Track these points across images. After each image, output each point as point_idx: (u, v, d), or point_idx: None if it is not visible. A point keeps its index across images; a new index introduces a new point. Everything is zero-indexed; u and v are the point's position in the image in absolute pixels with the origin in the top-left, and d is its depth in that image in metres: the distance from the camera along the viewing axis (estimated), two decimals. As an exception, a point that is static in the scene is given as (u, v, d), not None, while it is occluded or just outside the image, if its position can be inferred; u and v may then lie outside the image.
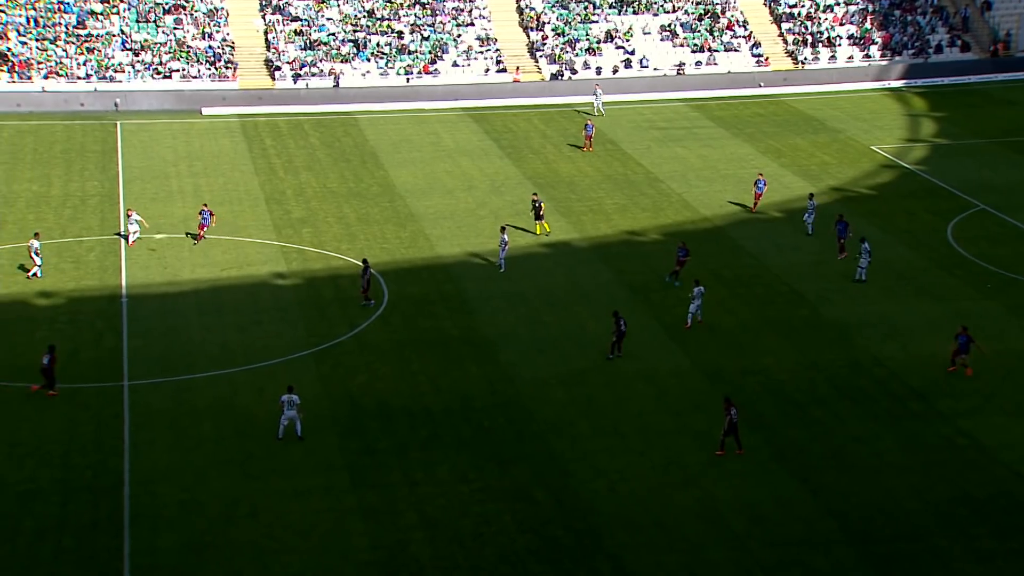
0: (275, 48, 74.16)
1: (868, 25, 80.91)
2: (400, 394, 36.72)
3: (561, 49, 77.57)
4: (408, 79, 73.68)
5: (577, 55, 77.37)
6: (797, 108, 71.55)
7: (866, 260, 44.35)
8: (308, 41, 74.80)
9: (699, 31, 79.82)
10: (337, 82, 72.45)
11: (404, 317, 42.08)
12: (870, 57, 79.13)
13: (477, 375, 38.06)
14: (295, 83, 72.10)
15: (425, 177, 57.94)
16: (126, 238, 48.15)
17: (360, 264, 43.82)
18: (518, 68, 75.88)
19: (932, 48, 79.66)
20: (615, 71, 76.99)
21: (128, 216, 48.44)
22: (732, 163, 60.63)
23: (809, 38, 79.89)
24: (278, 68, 72.78)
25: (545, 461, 33.13)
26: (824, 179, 57.54)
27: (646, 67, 77.28)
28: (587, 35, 78.85)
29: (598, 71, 76.66)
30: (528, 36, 78.81)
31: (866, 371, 37.78)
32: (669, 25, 79.84)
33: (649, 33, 79.35)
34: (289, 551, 28.89)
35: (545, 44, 77.84)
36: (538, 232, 49.97)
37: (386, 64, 74.36)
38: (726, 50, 78.76)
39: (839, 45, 79.63)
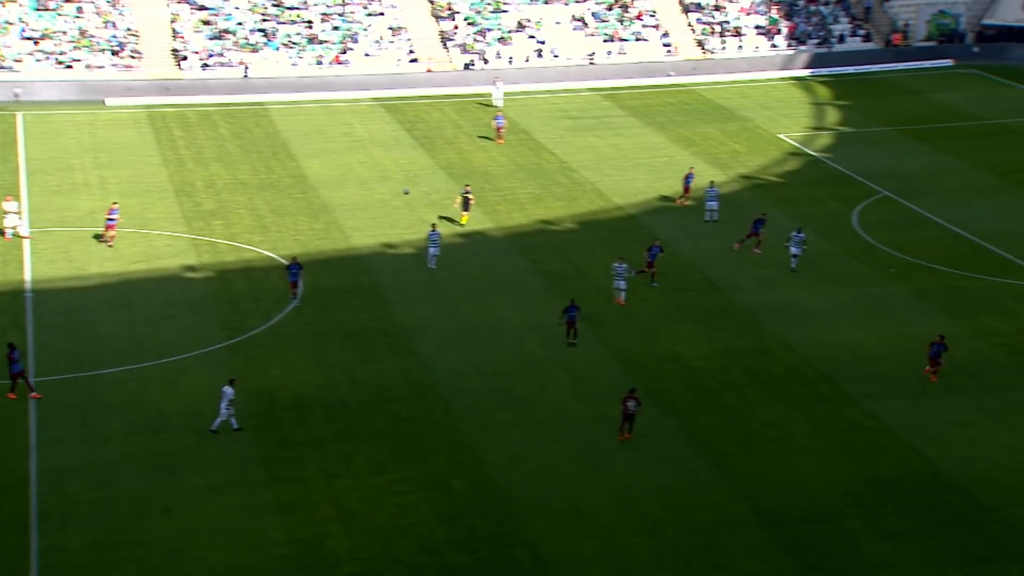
0: (181, 37, 72.89)
1: (774, 15, 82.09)
2: (316, 386, 36.41)
3: (473, 39, 77.44)
4: (320, 68, 73.03)
5: (489, 45, 77.29)
6: (706, 97, 72.34)
7: (797, 249, 44.75)
8: (216, 30, 73.67)
9: (609, 21, 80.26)
10: (246, 72, 71.47)
11: (319, 309, 41.71)
12: (776, 47, 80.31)
13: (394, 366, 37.88)
14: (203, 73, 70.97)
15: (338, 168, 57.46)
16: (4, 231, 46.84)
17: (286, 262, 43.19)
18: (430, 58, 75.58)
19: (835, 38, 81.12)
20: (527, 60, 77.10)
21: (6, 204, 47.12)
22: (644, 152, 61.13)
23: (717, 28, 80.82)
24: (185, 58, 71.56)
25: (463, 451, 33.11)
26: (734, 167, 58.29)
27: (557, 57, 77.50)
28: (499, 25, 78.80)
29: (510, 61, 76.69)
30: (439, 25, 78.53)
31: (777, 356, 38.38)
32: (580, 15, 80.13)
33: (560, 23, 79.56)
34: (204, 547, 28.49)
35: (456, 34, 77.63)
36: (464, 222, 49.87)
37: (296, 54, 73.54)
38: (636, 40, 79.32)
39: (746, 35, 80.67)
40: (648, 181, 56.34)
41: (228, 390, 33.22)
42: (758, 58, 79.19)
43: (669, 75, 76.94)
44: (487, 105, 68.10)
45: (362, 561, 28.16)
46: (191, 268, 45.04)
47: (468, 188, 51.12)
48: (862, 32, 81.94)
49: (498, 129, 62.26)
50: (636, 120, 67.12)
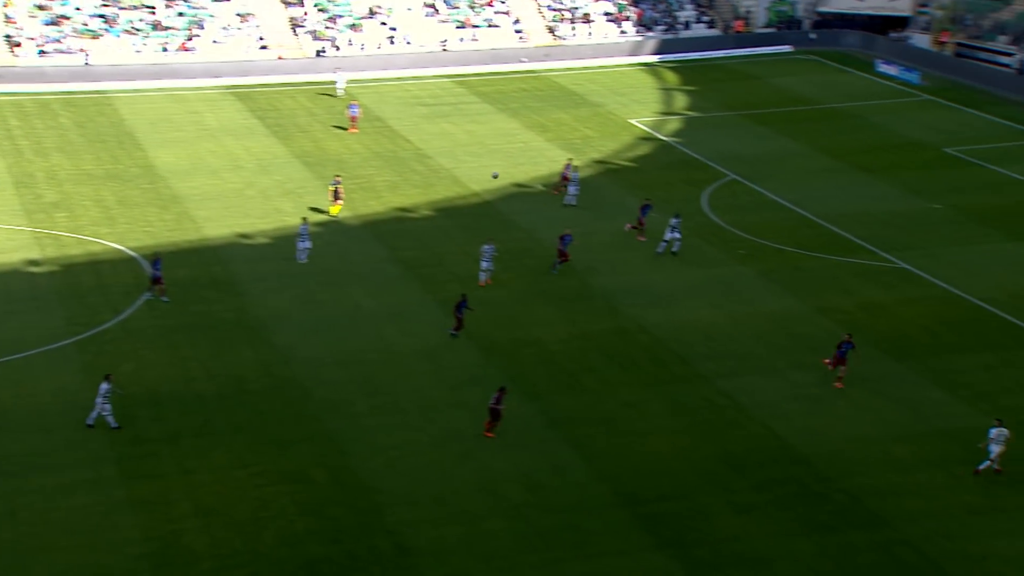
0: (14, 23, 69.96)
1: (622, 2, 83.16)
2: (170, 380, 35.47)
3: (324, 26, 76.38)
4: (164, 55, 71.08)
5: (340, 32, 76.36)
6: (559, 83, 72.88)
7: (671, 234, 45.18)
8: (52, 16, 70.94)
9: (461, 8, 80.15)
10: (87, 60, 69.06)
11: (173, 302, 40.61)
12: (625, 33, 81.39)
13: (251, 358, 37.16)
14: (39, 59, 68.29)
15: (188, 157, 56.03)
16: None
17: (149, 258, 41.84)
18: (281, 45, 74.28)
19: (681, 24, 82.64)
20: (379, 47, 76.44)
21: None
22: (499, 138, 61.25)
23: (567, 14, 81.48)
24: (19, 44, 68.71)
25: (324, 441, 32.70)
26: (587, 152, 58.87)
27: (410, 44, 77.05)
28: (349, 11, 77.90)
29: (362, 48, 75.91)
30: (289, 12, 77.22)
31: (633, 338, 38.92)
32: (431, 2, 79.79)
33: (411, 9, 79.11)
34: (53, 549, 27.49)
35: (307, 20, 76.46)
36: (334, 212, 49.14)
37: (140, 40, 71.39)
38: (488, 26, 79.40)
39: (595, 21, 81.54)
40: (504, 167, 56.43)
41: (104, 386, 32.22)
42: (608, 44, 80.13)
43: (521, 61, 77.26)
44: (331, 95, 67.19)
45: (221, 557, 27.57)
46: (34, 263, 43.35)
47: (338, 178, 50.44)
48: (706, 19, 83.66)
49: (352, 118, 61.56)
50: (490, 106, 67.20)
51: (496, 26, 79.60)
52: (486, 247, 42.76)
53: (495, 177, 33.55)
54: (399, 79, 72.63)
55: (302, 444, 32.46)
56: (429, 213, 50.62)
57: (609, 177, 54.38)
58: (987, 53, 72.24)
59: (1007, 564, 26.95)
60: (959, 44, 74.59)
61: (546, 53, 78.41)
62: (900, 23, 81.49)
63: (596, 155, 58.62)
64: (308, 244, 44.32)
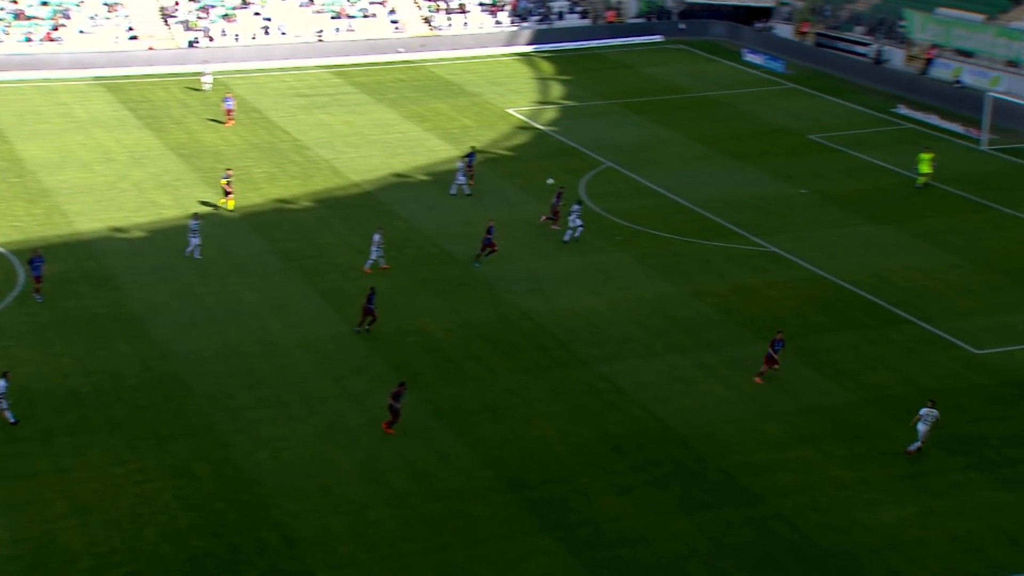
0: None
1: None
2: (43, 378, 34.40)
3: (196, 16, 74.78)
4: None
5: (213, 22, 74.86)
6: (436, 73, 72.66)
7: (575, 222, 45.30)
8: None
9: (337, -2, 79.36)
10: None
11: (44, 297, 39.36)
12: (500, 23, 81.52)
13: (128, 353, 36.26)
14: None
15: (57, 150, 54.33)
16: None
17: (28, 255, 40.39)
18: (151, 35, 72.50)
19: (555, 15, 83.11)
20: (254, 38, 75.18)
21: None
22: (377, 128, 60.83)
23: (443, 5, 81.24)
24: None
25: (205, 435, 32.10)
26: (466, 141, 58.79)
27: (285, 34, 75.94)
28: (222, 2, 76.42)
29: (236, 38, 74.58)
30: (159, 2, 75.39)
31: (515, 325, 39.08)
32: (306, -9, 78.83)
33: (286, 0, 77.97)
34: (-72, 556, 26.48)
35: (178, 10, 74.76)
36: (230, 206, 48.15)
37: (2, 30, 68.89)
38: (364, 17, 78.72)
39: (471, 12, 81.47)
40: (383, 157, 56.12)
41: (1, 383, 31.20)
42: (483, 34, 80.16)
43: (398, 52, 76.83)
44: (195, 89, 65.80)
45: (100, 555, 26.87)
46: (-102, 260, 41.62)
47: (229, 172, 49.46)
48: (579, 9, 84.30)
49: (228, 111, 60.43)
50: (368, 97, 66.68)
51: (372, 16, 78.97)
52: (376, 235, 42.38)
53: (550, 183, 33.47)
54: (275, 70, 71.55)
55: (183, 439, 31.82)
56: (309, 204, 50.02)
57: (488, 166, 54.43)
58: (845, 43, 74.31)
59: (870, 533, 27.86)
60: (819, 34, 76.59)
61: (423, 43, 78.10)
62: (764, 13, 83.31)
63: (475, 145, 58.55)
64: (198, 240, 43.25)
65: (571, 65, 75.46)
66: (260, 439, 31.98)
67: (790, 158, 56.20)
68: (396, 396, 32.05)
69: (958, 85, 65.35)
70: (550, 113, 65.07)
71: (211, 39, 73.81)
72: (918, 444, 30.75)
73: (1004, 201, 49.22)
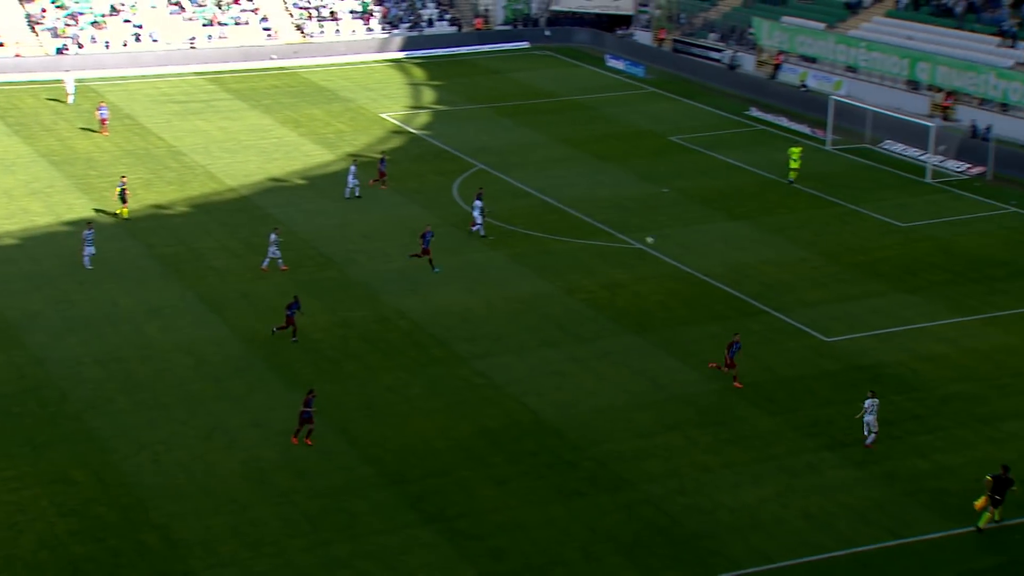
0: None
1: (367, 0, 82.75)
2: (-84, 389, 32.98)
3: (64, 23, 72.49)
4: None
5: (81, 29, 72.67)
6: (310, 79, 71.83)
7: (478, 215, 45.64)
8: None
9: (207, 6, 77.80)
10: None
11: (-87, 307, 37.75)
12: (372, 30, 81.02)
13: (2, 361, 34.95)
14: None
15: (-75, 157, 52.09)
16: None
17: None
18: (18, 42, 70.03)
19: (425, 22, 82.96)
20: (125, 45, 73.24)
21: None
22: (253, 134, 59.87)
23: (314, 12, 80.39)
24: None
25: (83, 441, 31.17)
26: (341, 146, 58.33)
27: (156, 41, 74.18)
28: (90, 8, 74.25)
29: (107, 45, 72.55)
30: (26, 8, 72.87)
31: (393, 324, 38.88)
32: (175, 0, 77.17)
33: (156, 7, 76.19)
34: None
35: (44, 17, 72.34)
36: (125, 214, 46.71)
37: None
38: (236, 24, 77.38)
39: (342, 19, 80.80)
40: (259, 162, 55.27)
41: None
42: (355, 41, 79.56)
43: (272, 58, 75.73)
44: (58, 101, 63.74)
45: (-20, 566, 25.89)
46: None
47: (124, 179, 48.05)
48: (448, 17, 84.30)
49: (102, 121, 58.71)
50: (242, 103, 65.58)
51: (244, 24, 77.66)
52: (272, 235, 42.10)
53: (652, 241, 33.15)
54: (148, 77, 69.84)
55: (60, 445, 30.84)
56: (185, 209, 48.97)
57: (363, 170, 53.97)
58: (700, 49, 75.90)
59: (732, 514, 28.51)
60: (676, 41, 78.06)
61: (296, 50, 77.14)
62: (625, 21, 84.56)
63: (349, 149, 58.17)
64: (93, 250, 41.80)
65: (442, 71, 75.41)
66: (140, 443, 31.19)
67: (652, 159, 57.14)
68: (307, 403, 31.20)
69: (804, 89, 67.33)
70: (423, 117, 64.93)
71: (81, 46, 71.62)
72: (874, 435, 31.03)
73: (848, 198, 50.88)
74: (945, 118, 60.03)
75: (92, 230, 42.47)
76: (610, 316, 39.43)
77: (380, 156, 53.42)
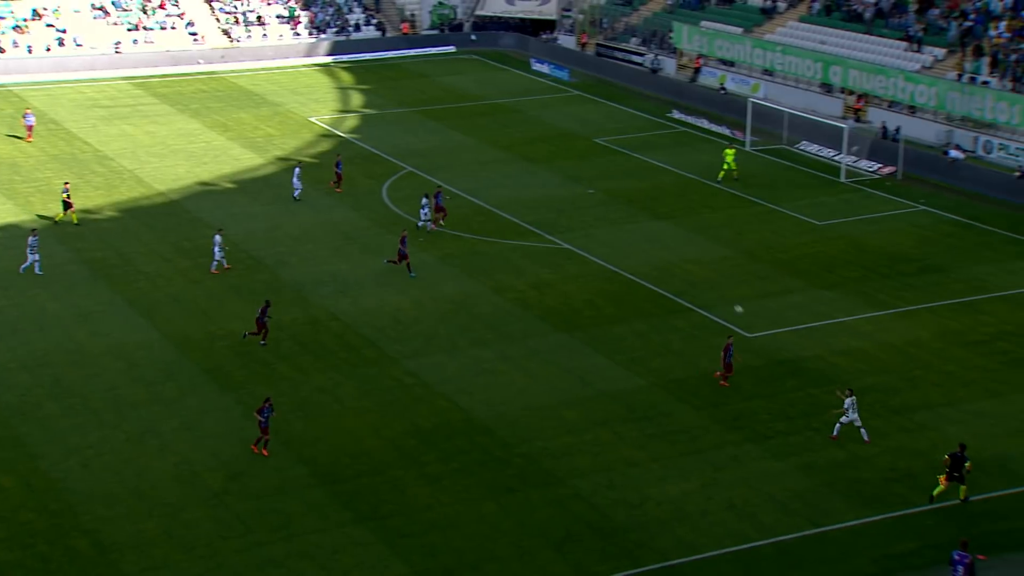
0: None
1: (293, 5, 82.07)
2: None
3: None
4: None
5: (2, 33, 71.02)
6: (237, 84, 71.00)
7: (425, 212, 46.00)
8: None
9: (132, 11, 76.49)
10: None
11: None
12: (299, 35, 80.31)
13: (-73, 369, 34.07)
14: None
15: None
16: None
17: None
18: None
19: (352, 27, 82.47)
20: (48, 50, 71.72)
21: None
22: (181, 138, 59.00)
23: (241, 17, 79.48)
24: None
25: (11, 447, 30.47)
26: (270, 150, 57.74)
27: (81, 46, 72.75)
28: (11, 13, 72.59)
29: (29, 50, 71.00)
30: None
31: (324, 326, 38.59)
32: (100, 4, 75.65)
33: (79, 11, 74.69)
34: None
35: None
36: (73, 220, 45.72)
37: None
38: (162, 29, 76.20)
39: (269, 24, 79.99)
40: (188, 167, 54.49)
41: None
42: (283, 46, 78.83)
43: (198, 63, 74.70)
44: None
45: (-93, 576, 25.18)
46: None
47: (67, 184, 47.00)
48: (375, 21, 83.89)
49: (28, 128, 57.42)
50: (170, 107, 64.60)
51: (170, 28, 76.49)
52: (216, 236, 42.04)
53: (739, 312, 32.88)
54: (72, 81, 68.47)
55: (-10, 453, 30.12)
56: (114, 214, 48.09)
57: (292, 174, 53.51)
58: (623, 53, 76.45)
59: (659, 506, 28.75)
60: (599, 45, 78.53)
61: (222, 55, 76.20)
62: (549, 25, 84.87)
63: (279, 152, 57.62)
64: (37, 256, 40.81)
65: (370, 75, 75.01)
66: (69, 448, 30.58)
67: (578, 160, 57.40)
68: (261, 411, 30.57)
69: (723, 91, 68.15)
70: (351, 121, 64.51)
71: (2, 51, 69.97)
72: (864, 432, 31.16)
73: (767, 197, 51.60)
74: (857, 120, 61.15)
75: (36, 236, 41.64)
76: (539, 315, 39.53)
77: (336, 157, 53.03)
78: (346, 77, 74.54)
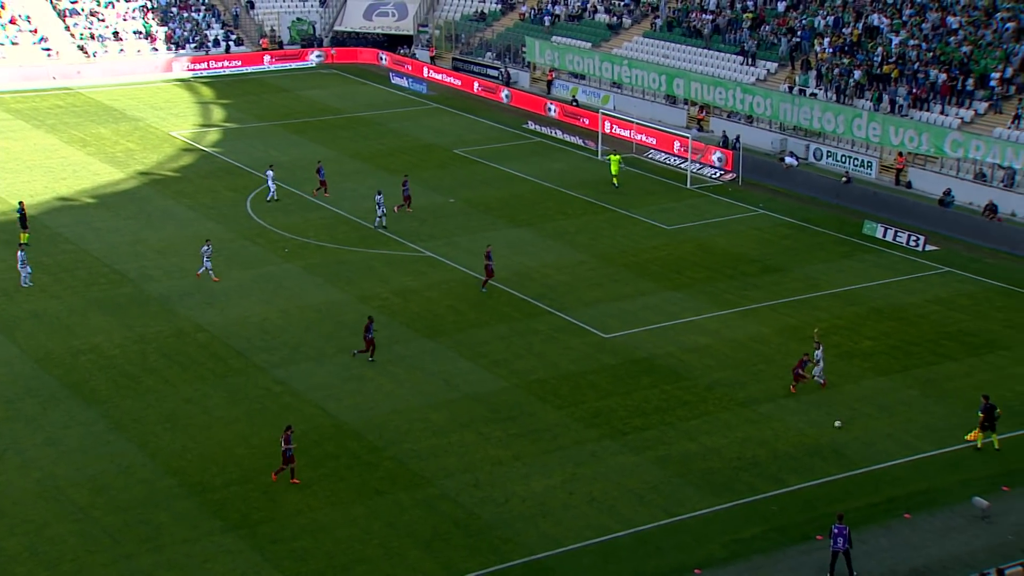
0: None
1: (149, 21, 79.89)
2: None
3: None
4: None
5: None
6: (95, 99, 68.71)
7: (380, 210, 46.40)
8: None
9: (-15, 24, 73.36)
10: None
11: None
12: (157, 50, 78.23)
13: None
14: None
15: None
16: None
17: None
18: None
19: (211, 42, 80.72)
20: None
21: None
22: (38, 153, 56.78)
23: (96, 33, 76.96)
24: None
25: None
26: (131, 164, 56.04)
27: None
28: None
29: None
30: None
31: (191, 338, 37.64)
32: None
33: (-71, 25, 71.28)
34: None
35: None
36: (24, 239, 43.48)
37: None
38: (13, 44, 73.20)
39: (126, 39, 77.67)
40: (46, 182, 52.45)
41: None
42: (141, 61, 76.66)
43: (54, 79, 72.02)
44: None
45: None
46: None
47: (22, 203, 44.70)
48: (234, 36, 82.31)
49: None
50: (25, 123, 62.09)
51: (22, 44, 73.54)
52: (204, 248, 41.22)
53: (838, 426, 32.02)
54: (-77, 95, 65.15)
55: None
56: (-32, 230, 45.94)
57: (155, 188, 52.20)
58: (479, 67, 76.86)
59: (524, 503, 28.96)
60: (455, 59, 78.76)
61: (79, 71, 73.63)
62: (407, 40, 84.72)
63: (140, 167, 55.99)
64: (30, 268, 40.17)
65: (230, 89, 73.55)
66: (-72, 470, 29.07)
67: (439, 171, 57.41)
68: (287, 440, 29.44)
69: (575, 103, 69.15)
70: (213, 135, 63.12)
71: None
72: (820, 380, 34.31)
73: (619, 203, 52.56)
74: (700, 129, 62.88)
75: (24, 252, 39.87)
76: (403, 322, 39.38)
77: (318, 164, 52.98)
78: (206, 92, 72.92)
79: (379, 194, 47.69)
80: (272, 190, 50.95)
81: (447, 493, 29.25)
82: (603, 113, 62.24)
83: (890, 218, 49.22)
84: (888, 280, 43.17)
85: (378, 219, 47.00)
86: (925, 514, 28.11)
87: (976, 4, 58.91)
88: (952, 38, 57.31)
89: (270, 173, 51.46)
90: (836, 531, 25.62)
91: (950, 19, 58.69)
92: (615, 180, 53.99)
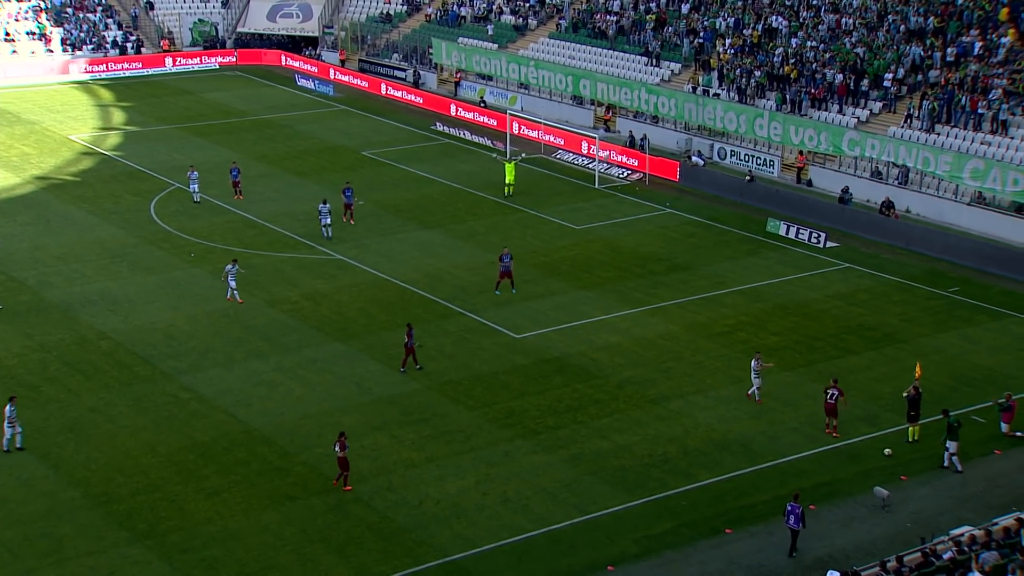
0: None
1: (43, 22, 77.78)
2: None
3: None
4: None
5: None
6: (-11, 101, 66.65)
7: (325, 220, 45.81)
8: None
9: None
10: None
11: None
12: (53, 52, 76.21)
13: None
14: None
15: None
16: None
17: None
18: None
19: (109, 44, 78.92)
20: None
21: None
22: (-73, 157, 54.83)
23: (-8, 32, 74.73)
24: None
25: None
26: (28, 169, 54.52)
27: None
28: None
29: None
30: None
31: (94, 345, 36.77)
32: None
33: None
34: None
35: None
36: None
37: None
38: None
39: (19, 41, 75.51)
40: (-64, 187, 50.70)
41: (9, 408, 28.21)
42: (36, 64, 74.58)
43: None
44: None
45: None
46: None
47: None
48: (134, 38, 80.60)
49: None
50: (-86, 125, 59.88)
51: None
52: (230, 266, 40.05)
53: (888, 454, 31.12)
54: None
55: None
56: None
57: (53, 192, 50.85)
58: (386, 68, 76.52)
59: (437, 504, 28.94)
60: (362, 60, 78.28)
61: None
62: (313, 42, 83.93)
63: (36, 171, 54.53)
64: None
65: (131, 92, 72.01)
66: None
67: (347, 173, 56.98)
68: (343, 446, 28.93)
69: (484, 104, 69.28)
70: (113, 138, 61.74)
71: None
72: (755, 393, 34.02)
73: (529, 204, 52.81)
74: (607, 129, 63.53)
75: None
76: (314, 325, 39.02)
77: (231, 166, 52.11)
78: (106, 95, 71.27)
79: (324, 203, 47.03)
80: (195, 191, 49.96)
81: (360, 497, 29.07)
82: (511, 114, 62.45)
83: (792, 216, 50.38)
84: (791, 276, 44.18)
85: (323, 228, 46.45)
86: (829, 505, 28.83)
87: (869, 6, 60.60)
88: (847, 39, 58.87)
89: (194, 174, 50.50)
90: (789, 508, 26.18)
91: (845, 20, 60.28)
92: (509, 188, 53.65)
